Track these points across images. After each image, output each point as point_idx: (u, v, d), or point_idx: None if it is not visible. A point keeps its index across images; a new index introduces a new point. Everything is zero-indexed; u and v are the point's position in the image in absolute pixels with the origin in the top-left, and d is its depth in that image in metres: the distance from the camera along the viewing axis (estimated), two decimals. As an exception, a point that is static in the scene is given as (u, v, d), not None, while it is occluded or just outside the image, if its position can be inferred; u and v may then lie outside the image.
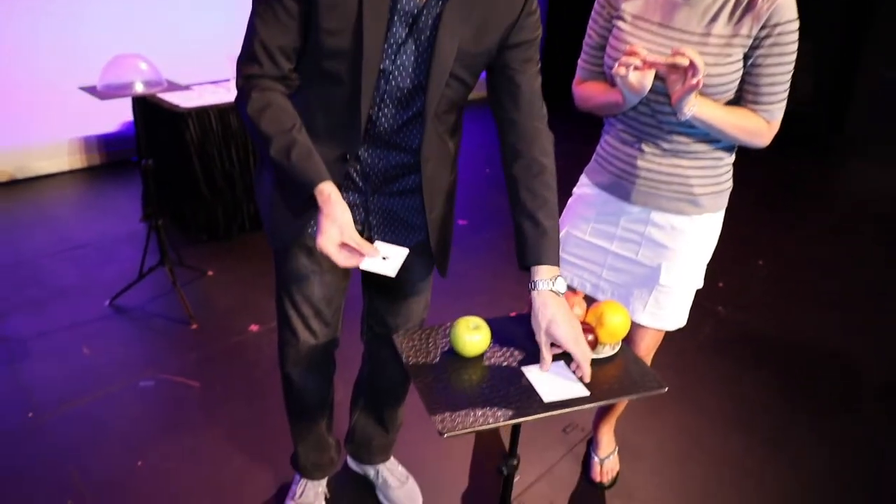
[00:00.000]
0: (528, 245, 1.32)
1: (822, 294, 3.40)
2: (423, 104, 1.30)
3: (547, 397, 1.20)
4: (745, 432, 2.38)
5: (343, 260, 1.19)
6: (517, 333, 1.40)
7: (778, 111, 1.54)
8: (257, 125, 1.23)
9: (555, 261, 1.32)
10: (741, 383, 2.65)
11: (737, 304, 3.20)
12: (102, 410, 2.28)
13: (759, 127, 1.54)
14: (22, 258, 3.23)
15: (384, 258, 1.23)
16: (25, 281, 3.04)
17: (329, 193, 1.20)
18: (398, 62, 1.26)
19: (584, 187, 1.82)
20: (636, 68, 1.43)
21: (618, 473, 2.15)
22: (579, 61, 1.72)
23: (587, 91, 1.69)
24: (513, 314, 1.47)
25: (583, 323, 1.33)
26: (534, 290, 1.29)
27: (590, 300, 1.65)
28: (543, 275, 1.29)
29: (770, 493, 2.12)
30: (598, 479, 2.11)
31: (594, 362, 1.32)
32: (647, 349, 1.82)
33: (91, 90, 2.47)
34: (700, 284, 1.77)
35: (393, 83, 1.28)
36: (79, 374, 2.45)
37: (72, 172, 4.32)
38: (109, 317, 2.81)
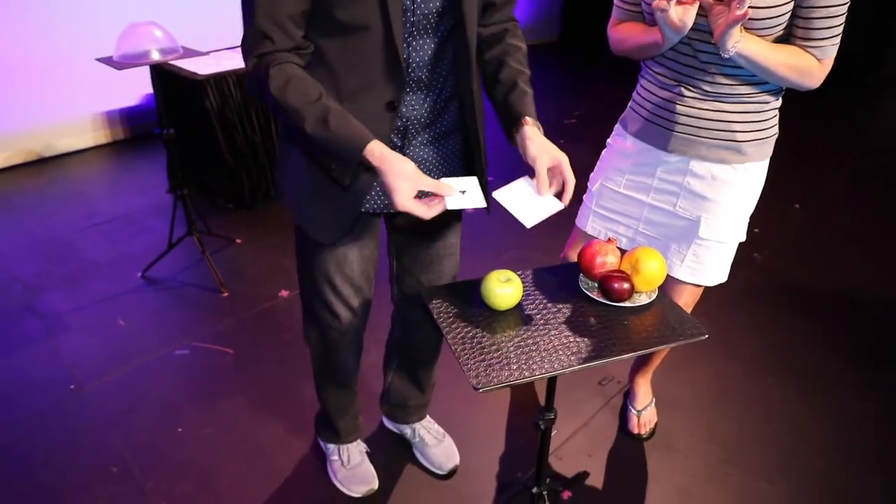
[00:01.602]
0: (513, 106, 1.34)
1: (858, 240, 3.30)
2: (453, 26, 1.27)
3: (528, 222, 1.22)
4: (780, 379, 2.33)
5: (426, 212, 1.18)
6: (550, 284, 1.37)
7: (832, 48, 1.43)
8: (284, 102, 1.18)
9: (535, 116, 1.33)
10: (776, 331, 2.59)
11: (773, 250, 3.12)
12: (141, 380, 2.32)
13: (811, 66, 1.43)
14: (53, 234, 3.27)
15: (462, 192, 1.22)
16: (58, 257, 3.07)
17: (381, 151, 1.18)
18: None
19: (618, 137, 1.75)
20: (678, 2, 1.35)
21: (656, 425, 2.13)
22: (615, 1, 1.63)
23: (623, 32, 1.60)
24: (545, 267, 1.44)
25: (618, 271, 1.29)
26: (520, 132, 1.30)
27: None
28: (529, 123, 1.30)
29: (808, 438, 2.08)
30: (636, 430, 2.09)
31: (632, 310, 1.29)
32: (685, 305, 1.76)
33: (107, 61, 2.45)
34: (743, 238, 1.70)
35: (419, 12, 1.23)
36: (116, 345, 2.49)
37: (97, 148, 4.34)
38: (142, 288, 2.84)
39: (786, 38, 1.44)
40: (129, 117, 4.44)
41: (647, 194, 1.70)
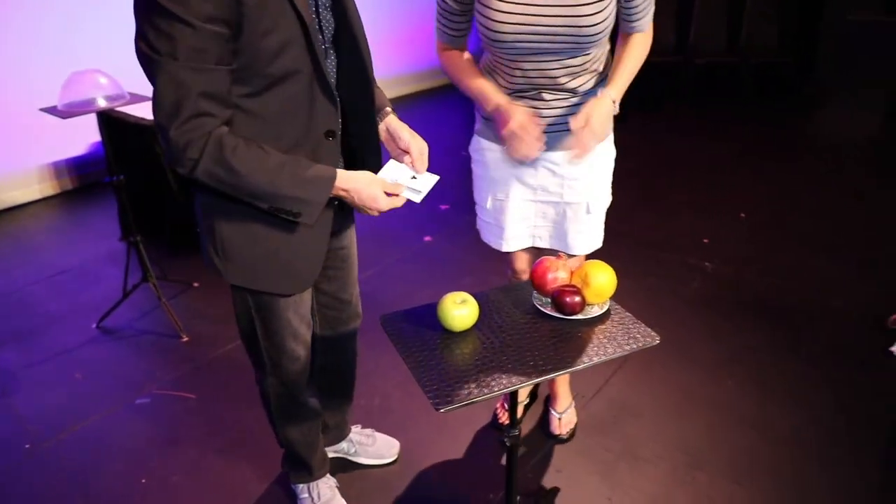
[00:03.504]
0: (379, 97, 1.52)
1: (803, 239, 3.43)
2: (352, 39, 1.36)
3: (417, 198, 1.41)
4: (741, 382, 2.39)
5: (390, 203, 1.35)
6: (505, 303, 1.40)
7: (651, 17, 1.63)
8: (245, 172, 1.19)
9: (390, 105, 1.55)
10: (733, 334, 2.66)
11: (722, 258, 3.22)
12: (101, 433, 2.26)
13: (645, 46, 1.66)
14: (4, 290, 3.19)
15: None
16: (10, 313, 2.99)
17: (346, 175, 1.31)
18: (321, 12, 1.30)
19: (484, 151, 1.81)
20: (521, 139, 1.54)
21: (575, 426, 2.19)
22: (437, 24, 1.68)
23: (455, 70, 1.71)
24: (499, 287, 1.47)
25: (569, 285, 1.33)
26: (382, 122, 1.51)
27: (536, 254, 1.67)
28: (389, 112, 1.52)
29: (776, 438, 2.14)
30: (556, 432, 2.14)
31: (586, 322, 1.32)
32: None
33: (52, 110, 2.43)
34: (609, 200, 1.86)
35: (327, 37, 1.33)
36: (73, 399, 2.42)
37: (45, 200, 4.27)
38: (98, 339, 2.78)
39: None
40: (76, 167, 4.38)
41: (535, 192, 1.78)
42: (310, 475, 1.88)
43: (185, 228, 3.40)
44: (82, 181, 4.41)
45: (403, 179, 1.44)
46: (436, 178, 1.46)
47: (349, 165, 1.52)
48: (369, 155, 1.51)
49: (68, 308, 3.01)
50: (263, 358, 1.61)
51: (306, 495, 1.89)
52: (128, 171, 2.88)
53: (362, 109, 1.46)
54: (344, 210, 1.62)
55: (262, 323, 1.54)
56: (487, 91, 1.63)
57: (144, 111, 3.24)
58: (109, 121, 3.22)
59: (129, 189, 2.80)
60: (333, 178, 1.29)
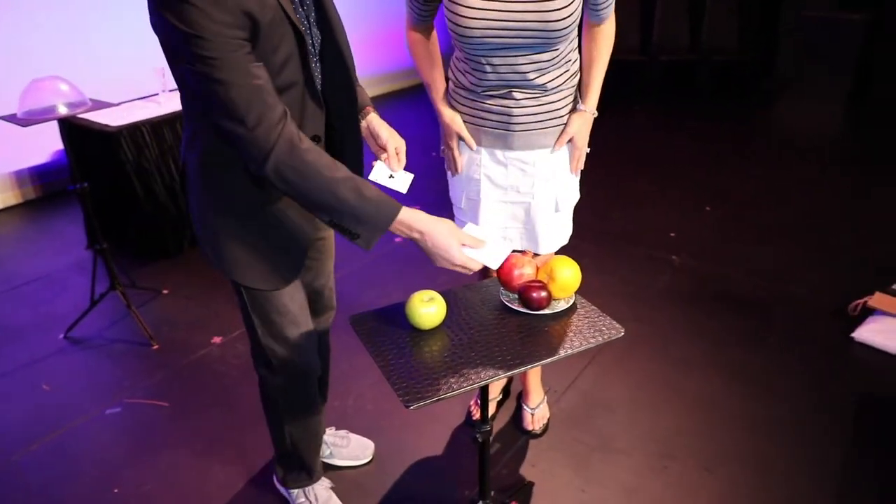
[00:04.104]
0: (362, 95, 1.55)
1: (766, 230, 3.51)
2: (337, 50, 1.39)
3: (403, 188, 1.49)
4: (709, 372, 2.44)
5: (477, 265, 1.33)
6: (473, 300, 1.42)
7: (612, 4, 1.67)
8: (314, 175, 1.22)
9: (371, 104, 1.59)
10: (701, 326, 2.72)
11: (689, 252, 3.28)
12: (71, 445, 2.23)
13: (611, 38, 1.72)
14: (-33, 303, 3.12)
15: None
16: (-27, 325, 2.94)
17: (416, 218, 1.29)
18: (311, 26, 1.33)
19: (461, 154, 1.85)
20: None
21: (548, 420, 2.22)
22: (407, 4, 1.72)
23: (417, 57, 1.79)
24: (467, 285, 1.48)
25: (535, 281, 1.35)
26: (366, 118, 1.56)
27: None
28: (370, 111, 1.56)
29: (744, 425, 2.19)
30: (529, 427, 2.18)
31: (552, 317, 1.34)
32: None
33: (12, 118, 2.39)
34: (577, 197, 1.90)
35: (315, 48, 1.35)
36: (41, 411, 2.38)
37: (7, 210, 4.18)
38: (66, 350, 2.74)
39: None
40: (40, 175, 4.30)
41: (504, 192, 1.81)
42: (310, 478, 1.87)
43: (152, 235, 3.37)
44: (46, 190, 4.33)
45: (382, 178, 1.49)
46: (411, 176, 1.51)
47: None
48: (349, 146, 1.53)
49: (35, 318, 2.96)
50: (268, 355, 1.61)
51: (303, 499, 1.88)
52: (92, 179, 2.85)
53: (347, 113, 1.49)
54: None
55: (260, 317, 1.55)
56: (437, 97, 1.80)
57: (108, 118, 3.20)
58: (72, 128, 3.18)
59: (94, 196, 2.76)
60: (398, 209, 1.27)
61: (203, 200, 1.41)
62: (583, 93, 1.77)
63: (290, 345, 1.59)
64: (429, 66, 1.78)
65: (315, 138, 1.39)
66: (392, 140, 1.53)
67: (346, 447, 2.08)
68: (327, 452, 2.06)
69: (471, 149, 1.77)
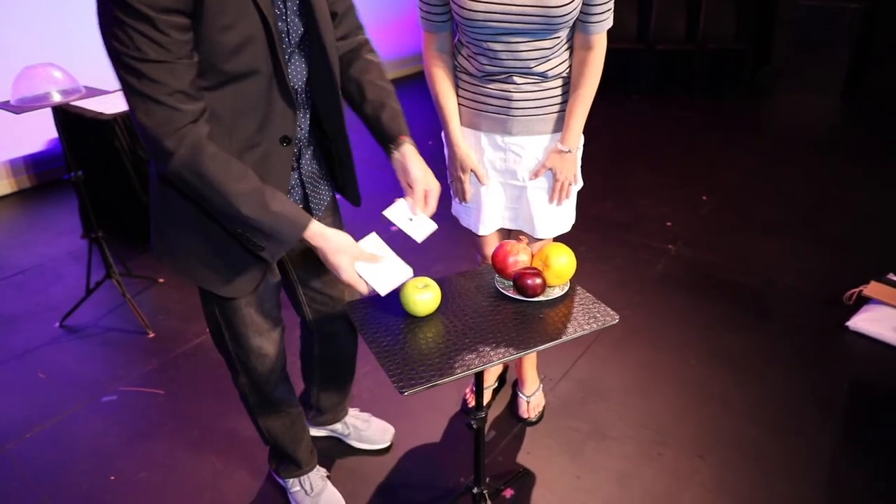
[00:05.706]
0: (388, 125, 1.43)
1: (762, 220, 3.51)
2: (319, 45, 1.31)
3: (419, 237, 1.36)
4: (704, 360, 2.45)
5: (363, 288, 1.28)
6: (468, 287, 1.42)
7: (610, 19, 1.60)
8: (214, 183, 1.16)
9: (409, 133, 1.46)
10: (696, 315, 2.72)
11: (685, 240, 3.28)
12: (67, 432, 2.23)
13: (598, 70, 1.65)
14: (-39, 292, 3.11)
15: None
16: (-32, 314, 2.93)
17: (320, 231, 1.26)
18: (288, 14, 1.25)
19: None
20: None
21: (544, 408, 2.23)
22: (420, 13, 1.70)
23: (436, 80, 1.74)
24: (461, 272, 1.48)
25: (530, 268, 1.35)
26: (399, 149, 1.42)
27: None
28: (405, 140, 1.42)
29: (738, 412, 2.20)
30: (525, 415, 2.19)
31: (547, 304, 1.34)
32: None
33: (5, 106, 2.37)
34: (581, 184, 1.86)
35: (293, 41, 1.28)
36: (37, 399, 2.38)
37: (1, 199, 4.16)
38: (62, 338, 2.74)
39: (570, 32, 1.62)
40: (34, 164, 4.28)
41: (503, 176, 1.80)
42: (298, 468, 1.87)
43: (148, 223, 3.35)
44: (41, 178, 4.31)
45: (400, 218, 1.36)
46: (433, 226, 1.36)
47: (330, 171, 1.54)
48: (341, 157, 1.48)
49: (30, 307, 2.95)
50: (233, 358, 1.61)
51: (298, 488, 1.89)
52: (87, 167, 2.83)
53: (332, 119, 1.42)
54: (336, 212, 1.64)
55: (226, 322, 1.54)
56: (452, 126, 1.75)
57: (102, 105, 3.18)
58: (66, 115, 3.16)
59: (89, 184, 2.75)
60: (305, 224, 1.24)
61: (158, 197, 1.37)
62: (563, 127, 1.71)
63: (254, 353, 1.58)
64: (446, 91, 1.73)
65: (283, 140, 1.31)
66: (423, 181, 1.38)
67: (366, 430, 2.08)
68: (347, 432, 2.08)
69: (482, 184, 1.78)
